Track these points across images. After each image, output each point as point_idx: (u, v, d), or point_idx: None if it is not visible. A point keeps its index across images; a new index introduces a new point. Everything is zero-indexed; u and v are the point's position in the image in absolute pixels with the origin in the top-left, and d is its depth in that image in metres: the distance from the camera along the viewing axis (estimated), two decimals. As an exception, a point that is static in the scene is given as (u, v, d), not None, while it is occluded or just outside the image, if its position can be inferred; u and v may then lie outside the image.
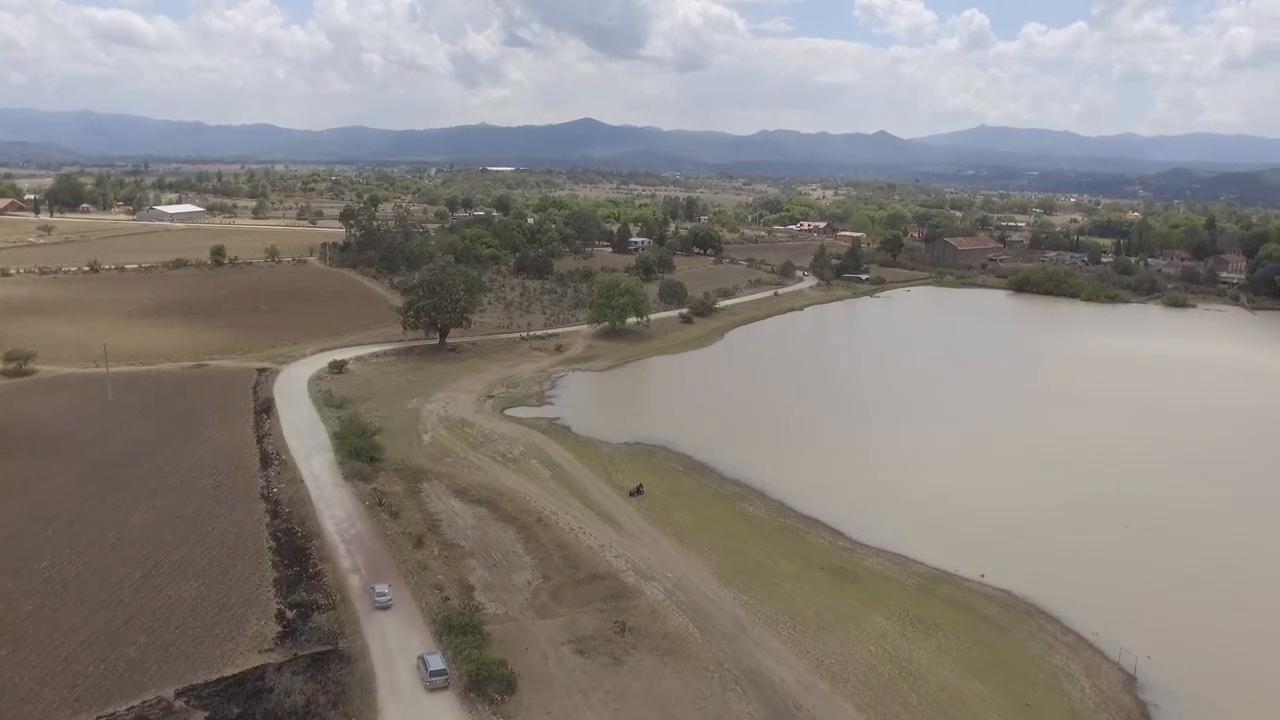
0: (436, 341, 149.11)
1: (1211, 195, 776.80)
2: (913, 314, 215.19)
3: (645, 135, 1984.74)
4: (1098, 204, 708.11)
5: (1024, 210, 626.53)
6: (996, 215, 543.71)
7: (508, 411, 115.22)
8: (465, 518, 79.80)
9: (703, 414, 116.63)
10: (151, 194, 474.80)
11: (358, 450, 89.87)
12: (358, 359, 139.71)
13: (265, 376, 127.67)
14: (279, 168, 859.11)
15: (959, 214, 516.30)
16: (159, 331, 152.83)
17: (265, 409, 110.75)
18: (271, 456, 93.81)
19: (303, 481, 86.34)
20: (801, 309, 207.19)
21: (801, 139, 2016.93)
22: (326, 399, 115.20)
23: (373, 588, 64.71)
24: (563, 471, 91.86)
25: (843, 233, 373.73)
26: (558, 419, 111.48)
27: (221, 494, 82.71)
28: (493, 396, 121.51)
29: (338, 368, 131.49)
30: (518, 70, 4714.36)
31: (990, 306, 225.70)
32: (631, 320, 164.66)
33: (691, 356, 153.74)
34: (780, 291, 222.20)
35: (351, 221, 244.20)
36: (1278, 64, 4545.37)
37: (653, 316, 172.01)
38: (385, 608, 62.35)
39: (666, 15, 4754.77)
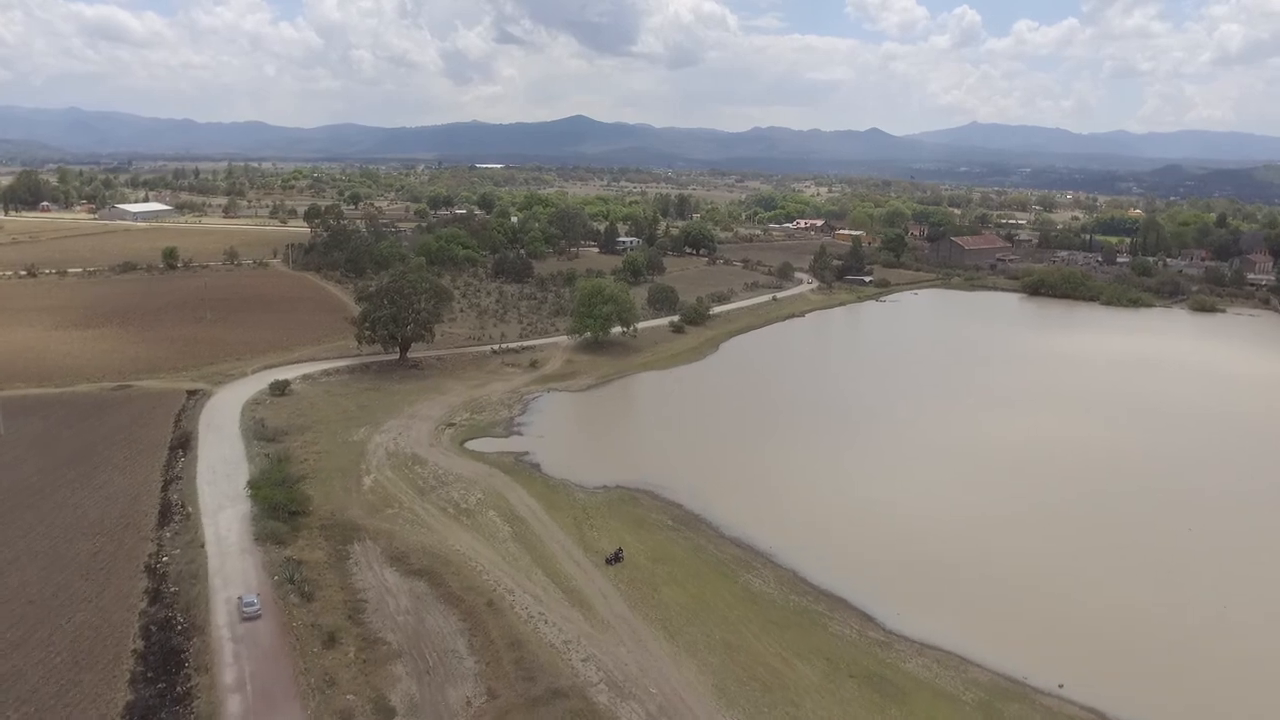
0: (397, 357, 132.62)
1: (1205, 192, 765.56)
2: (924, 320, 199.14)
3: (637, 132, 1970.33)
4: (1095, 200, 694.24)
5: (1023, 207, 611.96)
6: (996, 213, 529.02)
7: (469, 444, 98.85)
8: (399, 597, 63.50)
9: (695, 447, 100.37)
10: (125, 191, 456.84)
11: (275, 505, 73.37)
12: (305, 378, 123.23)
13: (195, 401, 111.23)
14: (266, 165, 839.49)
15: (957, 211, 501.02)
16: (87, 345, 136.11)
17: (183, 444, 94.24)
18: (174, 509, 77.31)
19: (203, 545, 69.90)
20: (803, 315, 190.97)
21: (794, 136, 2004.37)
22: (258, 430, 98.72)
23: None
24: (526, 528, 75.57)
25: (841, 231, 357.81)
26: (526, 454, 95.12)
27: (97, 564, 66.24)
28: (453, 425, 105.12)
29: (280, 389, 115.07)
30: (509, 67, 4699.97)
31: (1005, 311, 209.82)
32: (616, 330, 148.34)
33: (683, 372, 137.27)
34: (779, 295, 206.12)
35: (317, 221, 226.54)
36: (1267, 60, 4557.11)
37: (640, 325, 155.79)
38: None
39: (657, 12, 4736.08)
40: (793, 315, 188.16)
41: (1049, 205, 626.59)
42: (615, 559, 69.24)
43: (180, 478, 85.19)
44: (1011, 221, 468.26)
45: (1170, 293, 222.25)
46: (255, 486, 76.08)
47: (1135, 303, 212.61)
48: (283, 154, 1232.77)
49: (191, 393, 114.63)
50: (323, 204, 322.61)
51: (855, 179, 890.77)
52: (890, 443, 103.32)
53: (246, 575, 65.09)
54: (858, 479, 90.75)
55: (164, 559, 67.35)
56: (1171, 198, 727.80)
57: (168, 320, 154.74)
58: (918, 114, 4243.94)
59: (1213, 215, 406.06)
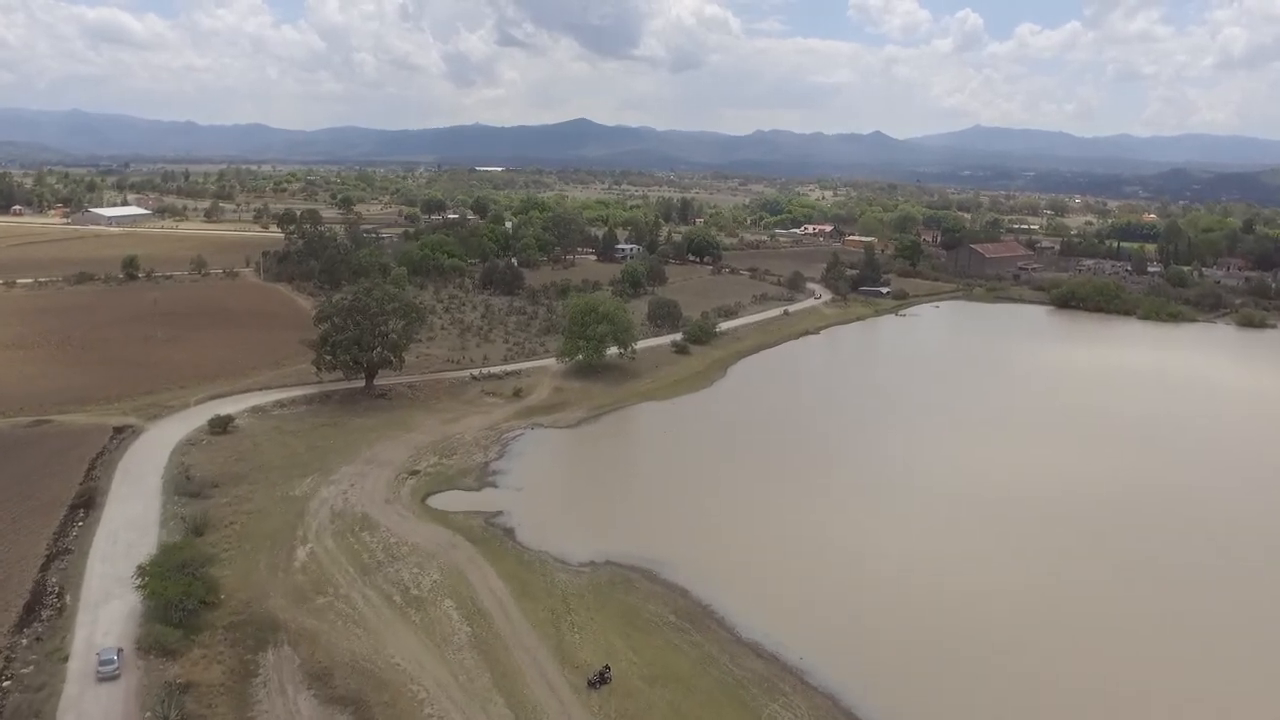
0: (362, 384, 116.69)
1: (1212, 196, 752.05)
2: (950, 336, 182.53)
3: (639, 135, 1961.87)
4: (1105, 204, 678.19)
5: (1034, 212, 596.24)
6: (1007, 217, 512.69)
7: (432, 499, 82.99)
8: (310, 743, 47.59)
9: (703, 503, 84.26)
10: (111, 194, 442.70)
11: (169, 606, 57.17)
12: (255, 410, 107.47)
13: (119, 440, 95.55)
14: (266, 167, 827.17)
15: (967, 215, 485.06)
16: (12, 370, 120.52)
17: (88, 501, 78.40)
18: (47, 598, 61.53)
19: (66, 659, 53.97)
20: (818, 331, 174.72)
21: (796, 139, 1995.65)
22: (181, 483, 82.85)
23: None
24: (489, 627, 59.56)
25: (852, 237, 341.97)
26: (499, 515, 79.10)
27: (-82, 691, 50.33)
28: (417, 472, 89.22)
29: (220, 426, 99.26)
30: (511, 70, 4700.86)
31: (1035, 325, 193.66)
32: (613, 350, 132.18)
33: (687, 403, 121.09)
34: (790, 309, 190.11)
35: (291, 227, 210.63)
36: (1270, 64, 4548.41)
37: (639, 345, 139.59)
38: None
39: (659, 15, 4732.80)
40: (807, 332, 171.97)
41: (1060, 210, 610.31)
42: (600, 680, 53.24)
43: (71, 550, 69.34)
44: (1024, 226, 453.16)
45: (1211, 306, 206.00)
46: (147, 574, 59.84)
47: (1175, 317, 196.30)
48: (284, 156, 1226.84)
49: (118, 430, 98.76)
50: (314, 208, 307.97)
51: (860, 182, 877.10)
52: (940, 495, 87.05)
53: (110, 711, 49.13)
54: (904, 548, 74.49)
55: (4, 684, 51.35)
56: (1181, 201, 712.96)
57: (113, 339, 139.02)
58: (920, 117, 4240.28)
59: (1236, 221, 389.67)
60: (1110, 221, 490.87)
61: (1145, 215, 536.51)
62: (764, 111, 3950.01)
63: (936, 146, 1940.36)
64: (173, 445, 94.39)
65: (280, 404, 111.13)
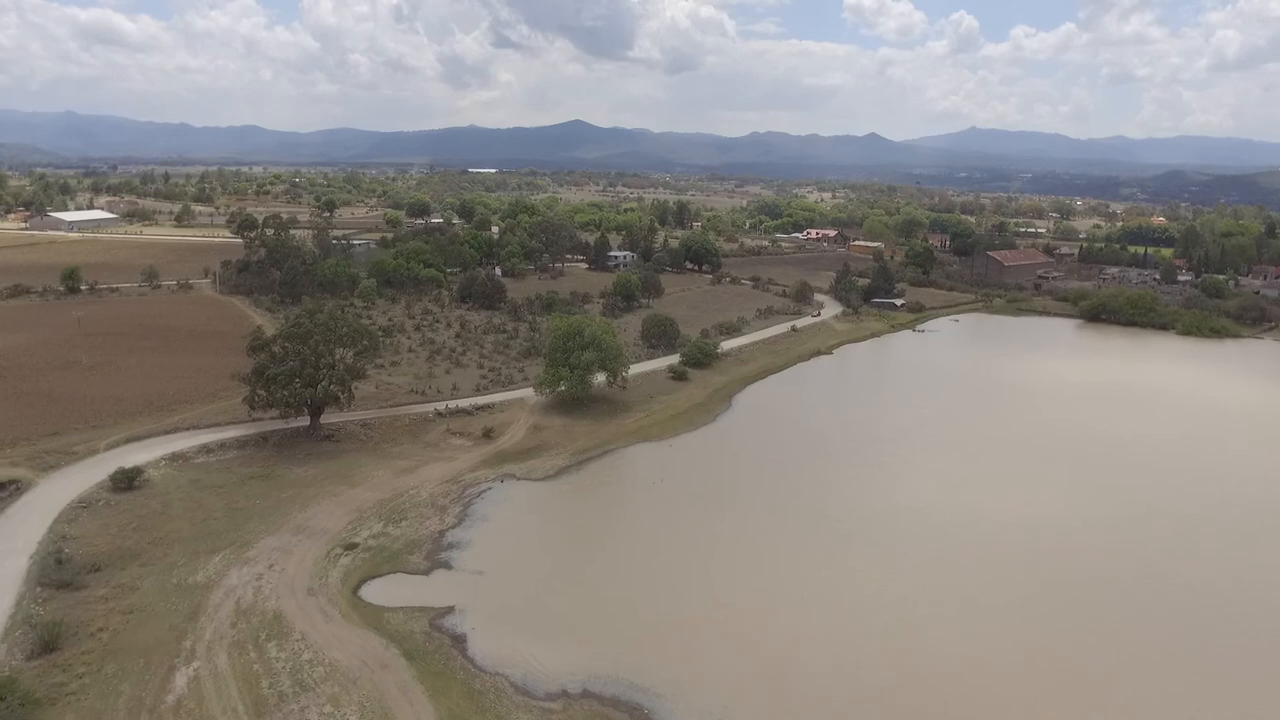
0: (307, 422, 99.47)
1: (1209, 198, 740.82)
2: (979, 356, 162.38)
3: (635, 137, 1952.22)
4: (1108, 207, 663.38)
5: (1039, 215, 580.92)
6: (1011, 220, 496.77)
7: (367, 588, 65.72)
8: None
9: (707, 590, 66.80)
10: (88, 196, 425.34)
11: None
12: (174, 458, 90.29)
13: (-2, 500, 78.29)
14: (257, 169, 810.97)
15: (972, 219, 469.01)
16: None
17: (-84, 597, 61.19)
18: None
19: None
20: (830, 351, 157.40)
21: (792, 140, 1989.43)
22: (47, 568, 65.50)
23: None
24: (415, 817, 42.41)
25: (858, 242, 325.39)
26: (449, 614, 61.77)
27: None
28: (354, 546, 71.96)
29: (125, 481, 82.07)
30: (506, 72, 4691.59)
31: (1070, 342, 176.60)
32: (601, 378, 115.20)
33: (687, 443, 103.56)
34: (798, 324, 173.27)
35: (251, 234, 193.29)
36: (1264, 66, 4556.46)
37: (632, 369, 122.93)
38: None
39: (654, 16, 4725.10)
40: (818, 352, 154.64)
41: (1065, 212, 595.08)
42: None
43: None
44: (1031, 230, 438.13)
45: (1254, 319, 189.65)
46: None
47: (1218, 332, 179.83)
48: (277, 158, 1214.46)
49: (1, 486, 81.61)
50: (283, 211, 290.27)
51: (858, 184, 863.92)
52: (1003, 567, 70.07)
53: None
54: (972, 663, 57.52)
55: None
56: (1182, 203, 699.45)
57: (29, 366, 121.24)
58: (916, 119, 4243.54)
59: (1257, 225, 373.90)
60: (1120, 225, 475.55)
61: (1154, 218, 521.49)
62: (759, 113, 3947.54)
63: (932, 148, 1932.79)
64: (61, 508, 77.25)
65: (206, 449, 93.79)
